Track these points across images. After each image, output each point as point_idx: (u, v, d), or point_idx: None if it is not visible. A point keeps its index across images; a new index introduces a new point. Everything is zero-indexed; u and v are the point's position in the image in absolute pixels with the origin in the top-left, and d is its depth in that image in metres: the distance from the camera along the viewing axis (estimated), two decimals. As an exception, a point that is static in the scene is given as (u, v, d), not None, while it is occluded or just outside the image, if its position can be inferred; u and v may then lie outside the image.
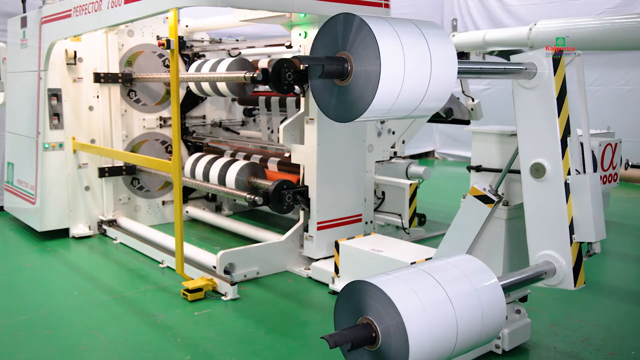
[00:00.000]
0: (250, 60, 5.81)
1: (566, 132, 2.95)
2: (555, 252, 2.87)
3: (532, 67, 2.91)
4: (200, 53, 6.87)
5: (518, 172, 3.13)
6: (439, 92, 2.20)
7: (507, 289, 2.54)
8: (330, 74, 2.10)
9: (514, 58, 3.05)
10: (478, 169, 3.76)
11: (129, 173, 6.51)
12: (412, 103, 2.16)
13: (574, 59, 3.07)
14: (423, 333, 1.96)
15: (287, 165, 5.55)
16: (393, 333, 1.95)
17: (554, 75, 2.92)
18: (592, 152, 3.28)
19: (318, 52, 2.20)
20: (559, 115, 2.93)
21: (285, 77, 4.75)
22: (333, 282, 4.61)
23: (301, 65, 4.67)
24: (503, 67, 3.00)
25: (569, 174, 2.89)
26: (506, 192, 3.45)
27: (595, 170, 3.40)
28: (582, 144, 3.04)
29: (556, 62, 2.94)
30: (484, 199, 3.38)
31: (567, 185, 2.87)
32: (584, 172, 2.96)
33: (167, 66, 6.74)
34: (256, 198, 4.99)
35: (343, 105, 2.15)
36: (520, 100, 3.00)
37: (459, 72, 2.28)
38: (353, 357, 2.10)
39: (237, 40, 6.93)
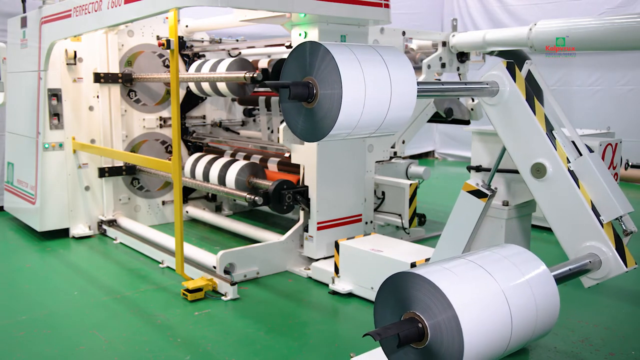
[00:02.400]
0: (250, 60, 5.81)
1: (548, 126, 3.01)
2: (591, 241, 2.79)
3: (494, 85, 3.02)
4: (200, 53, 6.87)
5: (517, 171, 3.14)
6: (400, 112, 2.39)
7: (558, 280, 2.40)
8: (298, 97, 2.26)
9: (481, 78, 3.16)
10: (478, 169, 3.77)
11: (129, 173, 6.51)
12: (375, 122, 2.34)
13: (530, 66, 3.15)
14: (477, 327, 1.83)
15: (287, 165, 5.55)
16: (444, 328, 1.82)
17: (515, 82, 3.03)
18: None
19: (288, 77, 2.37)
20: (535, 114, 3.01)
21: (285, 77, 4.75)
22: (333, 282, 4.61)
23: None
24: (465, 86, 3.09)
25: (568, 162, 2.91)
26: (506, 193, 3.45)
27: None
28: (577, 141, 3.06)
29: (512, 72, 3.05)
30: (478, 193, 3.40)
31: (572, 173, 2.88)
32: (580, 156, 2.98)
33: (167, 66, 6.74)
34: (256, 198, 4.99)
35: (310, 126, 2.33)
36: (494, 116, 3.09)
37: (421, 93, 2.48)
38: (398, 358, 1.96)
39: (237, 40, 6.93)
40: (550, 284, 2.14)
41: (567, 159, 2.93)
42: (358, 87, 2.22)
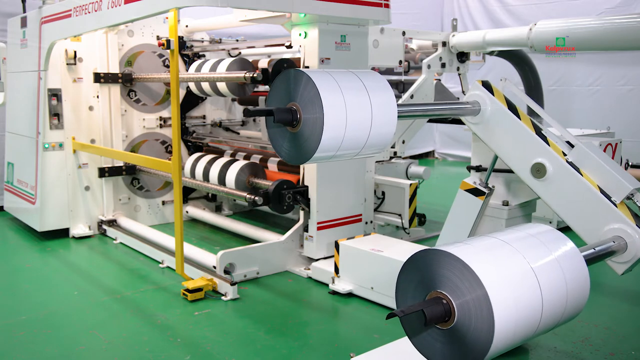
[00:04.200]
0: (250, 60, 5.81)
1: (536, 128, 3.05)
2: (611, 224, 2.75)
3: (476, 104, 3.08)
4: (200, 53, 6.86)
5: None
6: (382, 135, 2.52)
7: (587, 262, 2.31)
8: (282, 121, 2.39)
9: (462, 99, 3.25)
10: (478, 168, 3.77)
11: (129, 173, 6.51)
12: (358, 144, 2.46)
13: (504, 84, 3.26)
14: (508, 308, 1.73)
15: (287, 165, 5.54)
16: (473, 308, 1.73)
17: (494, 95, 3.14)
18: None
19: (273, 102, 2.49)
20: (520, 119, 3.07)
21: (285, 77, 4.75)
22: (333, 282, 4.61)
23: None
24: (447, 107, 3.18)
25: (565, 155, 2.93)
26: (506, 193, 3.46)
27: None
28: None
29: (489, 89, 3.17)
30: (475, 192, 3.40)
31: (572, 165, 2.88)
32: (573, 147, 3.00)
33: (167, 66, 6.73)
34: (256, 198, 4.99)
35: (295, 149, 2.45)
36: (481, 133, 3.17)
37: (402, 114, 2.61)
38: (421, 340, 1.85)
39: (237, 40, 6.92)
40: (580, 263, 2.05)
41: (563, 152, 2.95)
42: (339, 111, 2.33)
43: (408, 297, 1.88)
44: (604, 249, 2.63)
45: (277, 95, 2.48)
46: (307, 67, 4.86)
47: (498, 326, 1.68)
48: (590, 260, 2.39)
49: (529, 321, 1.82)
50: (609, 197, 2.77)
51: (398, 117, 2.53)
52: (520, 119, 3.06)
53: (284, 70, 2.47)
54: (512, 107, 3.12)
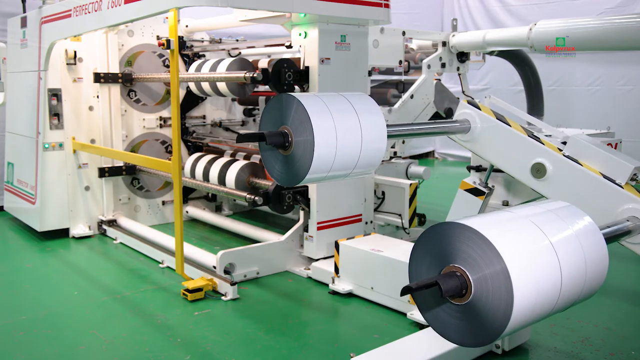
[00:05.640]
0: (250, 60, 5.81)
1: (528, 132, 3.13)
2: (622, 206, 2.73)
3: (465, 122, 3.16)
4: (200, 53, 6.86)
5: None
6: (372, 155, 2.60)
7: (606, 240, 2.25)
8: (274, 145, 2.51)
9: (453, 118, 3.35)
10: (478, 169, 3.78)
11: (129, 173, 6.51)
12: (349, 165, 2.54)
13: (489, 100, 3.38)
14: (527, 284, 1.67)
15: (287, 165, 5.53)
16: (491, 283, 1.68)
17: (481, 110, 3.23)
18: None
19: (266, 126, 2.59)
20: (511, 126, 3.15)
21: (285, 77, 4.75)
22: (333, 282, 4.61)
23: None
24: (437, 125, 3.26)
25: (560, 151, 2.96)
26: (506, 193, 3.47)
27: None
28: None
29: (475, 105, 3.27)
30: (475, 191, 3.42)
31: (569, 158, 2.91)
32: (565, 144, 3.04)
33: (167, 66, 6.73)
34: (256, 198, 4.99)
35: (287, 171, 2.53)
36: (475, 148, 3.25)
37: (392, 134, 2.70)
38: (435, 316, 1.80)
39: (237, 40, 6.92)
40: (599, 240, 2.01)
41: (558, 149, 2.98)
42: (329, 134, 2.42)
43: (422, 272, 1.84)
44: (620, 228, 2.59)
45: (269, 119, 2.57)
46: (307, 67, 4.86)
47: (517, 303, 1.63)
48: (608, 239, 2.32)
49: (547, 298, 1.77)
50: (613, 181, 2.78)
51: (388, 136, 2.63)
52: (510, 125, 3.12)
53: (276, 95, 2.61)
54: (500, 118, 3.21)
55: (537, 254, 1.77)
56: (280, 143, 2.48)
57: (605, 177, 2.80)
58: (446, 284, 1.70)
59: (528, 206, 2.05)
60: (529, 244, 1.77)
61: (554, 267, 1.79)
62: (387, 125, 2.65)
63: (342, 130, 2.46)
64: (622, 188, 2.75)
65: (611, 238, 2.51)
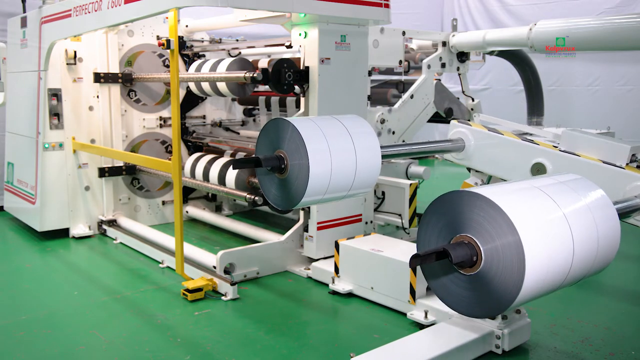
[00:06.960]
0: (250, 60, 5.81)
1: (520, 135, 3.21)
2: (628, 185, 2.74)
3: (460, 141, 3.23)
4: (200, 53, 6.86)
5: None
6: (367, 176, 2.64)
7: (620, 215, 2.22)
8: (270, 169, 2.56)
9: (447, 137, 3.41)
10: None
11: (129, 173, 6.51)
12: (344, 186, 2.58)
13: (479, 118, 3.51)
14: (539, 256, 1.63)
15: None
16: (502, 254, 1.64)
17: (472, 126, 3.33)
18: None
19: (261, 150, 2.64)
20: (503, 135, 3.20)
21: (285, 77, 4.76)
22: (333, 282, 4.61)
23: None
24: (432, 145, 3.34)
25: (556, 147, 3.00)
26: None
27: None
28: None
29: (465, 123, 3.39)
30: None
31: (566, 152, 2.93)
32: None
33: (167, 66, 6.73)
34: (256, 198, 4.99)
35: (283, 194, 2.57)
36: (471, 164, 3.28)
37: (387, 154, 2.75)
38: (442, 286, 1.76)
39: (237, 40, 6.92)
40: (611, 213, 1.97)
41: (554, 145, 3.01)
42: (324, 157, 2.47)
43: (431, 242, 1.80)
44: (632, 204, 2.56)
45: (265, 143, 2.62)
46: (307, 67, 4.86)
47: (528, 275, 1.59)
48: (620, 215, 2.28)
49: (558, 271, 1.73)
50: (614, 165, 2.81)
51: (383, 157, 2.68)
52: (502, 134, 3.17)
53: (271, 120, 2.63)
54: (492, 130, 3.30)
55: (550, 225, 1.72)
56: (276, 166, 2.53)
57: (605, 162, 2.83)
58: (456, 252, 1.66)
59: (539, 178, 2.00)
60: (542, 216, 1.72)
61: (567, 239, 1.74)
62: (382, 146, 2.70)
63: (336, 153, 2.51)
64: (624, 169, 2.79)
65: (625, 213, 2.46)
